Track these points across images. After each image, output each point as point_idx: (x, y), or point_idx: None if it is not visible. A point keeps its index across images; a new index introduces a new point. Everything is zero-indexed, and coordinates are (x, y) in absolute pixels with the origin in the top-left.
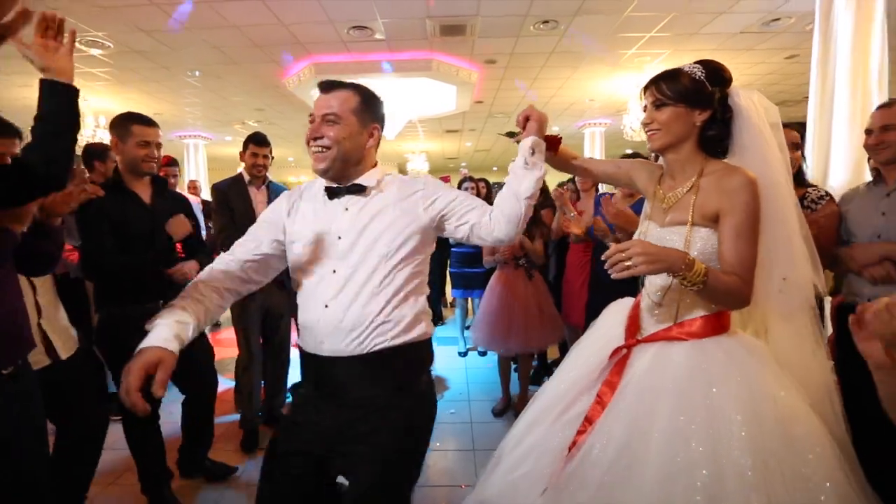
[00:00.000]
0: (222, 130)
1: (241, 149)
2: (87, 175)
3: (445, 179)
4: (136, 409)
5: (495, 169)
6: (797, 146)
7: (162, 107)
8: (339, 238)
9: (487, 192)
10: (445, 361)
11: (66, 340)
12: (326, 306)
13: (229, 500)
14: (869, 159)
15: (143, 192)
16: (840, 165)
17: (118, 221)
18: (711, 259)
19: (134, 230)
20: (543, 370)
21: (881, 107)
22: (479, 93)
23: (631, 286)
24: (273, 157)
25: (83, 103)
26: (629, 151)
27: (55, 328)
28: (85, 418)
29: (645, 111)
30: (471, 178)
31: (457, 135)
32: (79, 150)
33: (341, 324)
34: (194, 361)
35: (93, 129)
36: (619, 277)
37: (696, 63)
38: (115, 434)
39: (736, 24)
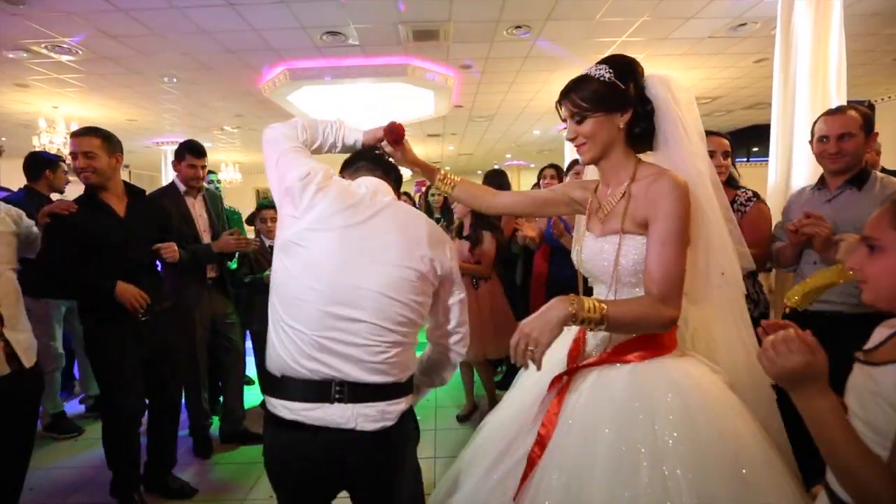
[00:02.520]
0: (201, 137)
1: (174, 159)
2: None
3: (422, 184)
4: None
5: (480, 172)
6: (727, 154)
7: (137, 113)
8: None
9: (444, 199)
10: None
11: (26, 350)
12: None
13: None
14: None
15: (117, 203)
16: (802, 167)
17: (89, 234)
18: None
19: (106, 243)
20: (513, 375)
21: (832, 113)
22: (457, 97)
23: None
24: (206, 168)
25: (55, 111)
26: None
27: (17, 340)
28: (22, 427)
29: (565, 123)
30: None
31: (439, 139)
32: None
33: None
34: (159, 375)
35: (64, 136)
36: (532, 366)
37: (600, 63)
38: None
39: (704, 28)
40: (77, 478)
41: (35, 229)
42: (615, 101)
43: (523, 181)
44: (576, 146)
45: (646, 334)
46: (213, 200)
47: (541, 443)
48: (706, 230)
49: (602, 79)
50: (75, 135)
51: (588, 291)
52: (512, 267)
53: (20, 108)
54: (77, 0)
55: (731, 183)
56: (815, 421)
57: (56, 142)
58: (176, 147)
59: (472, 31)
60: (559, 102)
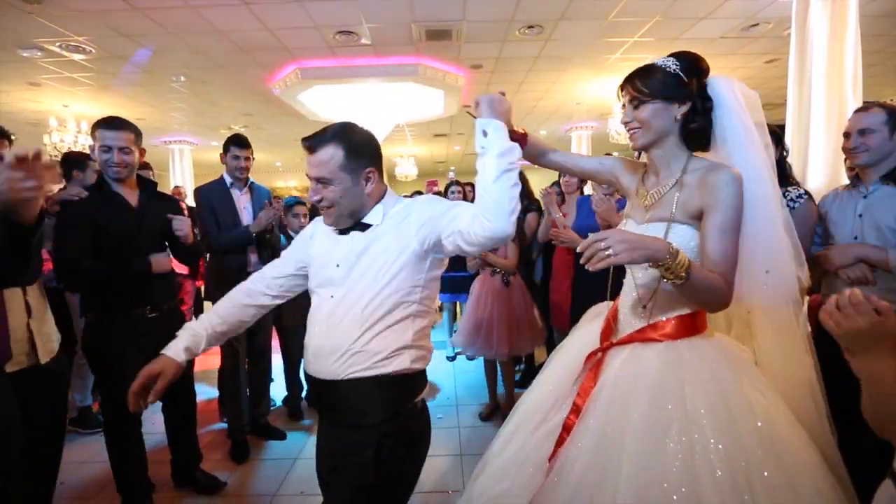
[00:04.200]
0: (209, 136)
1: (222, 152)
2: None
3: (432, 183)
4: (129, 407)
5: None
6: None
7: (146, 111)
8: (337, 266)
9: (464, 196)
10: (434, 366)
11: (46, 343)
12: (316, 329)
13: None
14: (846, 160)
15: (129, 194)
16: (818, 168)
17: (100, 224)
18: (693, 258)
19: (117, 233)
20: (531, 373)
21: (858, 110)
22: (466, 97)
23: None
24: (254, 160)
25: (65, 109)
26: (616, 154)
27: (40, 332)
28: (46, 422)
29: (623, 110)
30: (457, 182)
31: (445, 139)
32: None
33: (322, 348)
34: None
35: (74, 134)
36: (598, 268)
37: (669, 56)
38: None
39: (716, 29)
40: (106, 474)
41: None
42: (676, 91)
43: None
44: (629, 130)
45: (680, 316)
46: (260, 196)
47: (576, 411)
48: (754, 227)
49: (667, 69)
50: (109, 127)
51: (616, 281)
52: (531, 267)
53: (31, 107)
54: None
55: (783, 176)
56: (876, 383)
57: (67, 140)
58: (180, 145)
59: (485, 30)
60: (621, 87)
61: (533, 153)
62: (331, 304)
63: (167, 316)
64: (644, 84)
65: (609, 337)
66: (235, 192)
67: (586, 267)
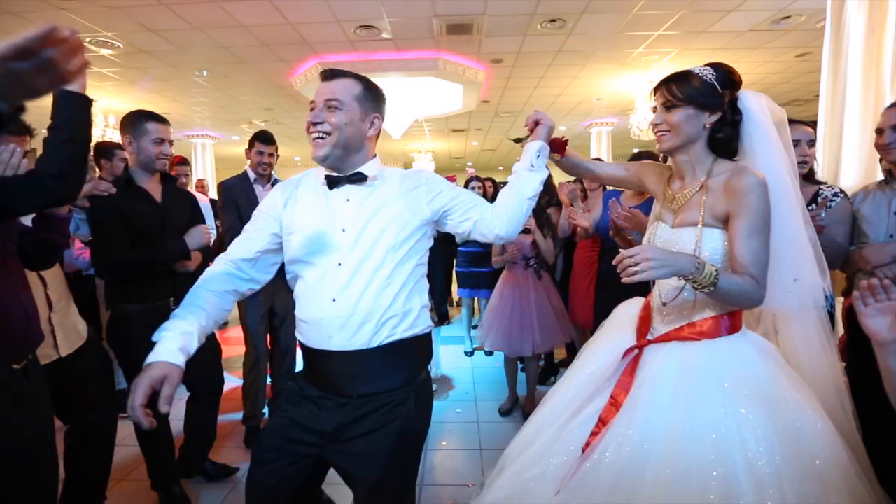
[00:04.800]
0: (230, 130)
1: (246, 147)
2: (97, 173)
3: (451, 179)
4: (142, 425)
5: (501, 168)
6: (812, 143)
7: (170, 106)
8: (343, 231)
9: (494, 192)
10: (451, 361)
11: (68, 336)
12: (334, 300)
13: (232, 500)
14: (881, 159)
15: (154, 189)
16: (852, 165)
17: (129, 219)
18: (723, 260)
19: (144, 227)
20: (550, 370)
21: (892, 106)
22: (485, 92)
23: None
24: (279, 156)
25: (93, 104)
26: (637, 151)
27: (62, 324)
28: (91, 413)
29: (654, 112)
30: (477, 178)
31: (463, 134)
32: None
33: (352, 318)
34: (201, 360)
35: (102, 128)
36: (629, 282)
37: (706, 66)
38: (126, 430)
39: (745, 22)
40: (138, 456)
41: (78, 213)
42: (709, 100)
43: None
44: (657, 132)
45: (717, 316)
46: None
47: (614, 404)
48: (778, 238)
49: (704, 77)
50: (160, 121)
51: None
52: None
53: None
54: None
55: (809, 178)
56: None
57: (95, 134)
58: (202, 139)
59: (506, 24)
60: (655, 89)
61: (568, 165)
62: (344, 273)
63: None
64: (679, 89)
65: (645, 334)
66: (258, 188)
67: (621, 279)
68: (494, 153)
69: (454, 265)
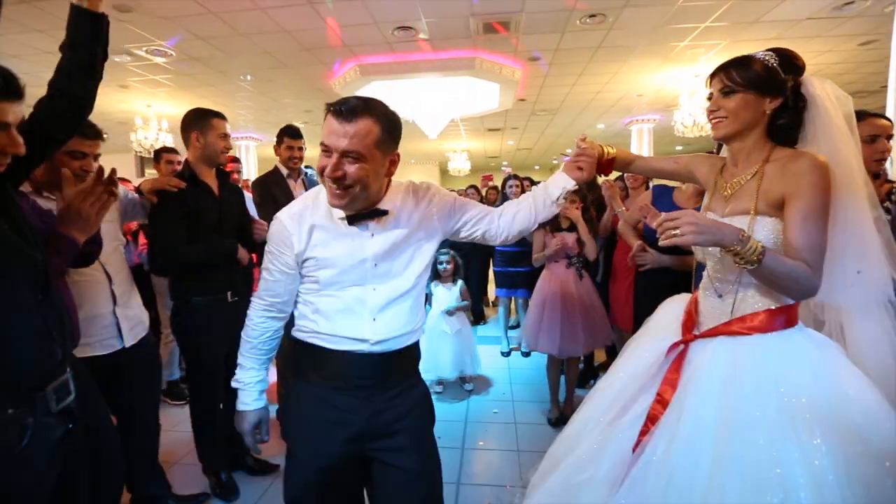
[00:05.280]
0: (272, 131)
1: (275, 145)
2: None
3: (488, 178)
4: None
5: (537, 168)
6: (891, 137)
7: (217, 109)
8: (375, 265)
9: (522, 190)
10: (488, 361)
11: (133, 327)
12: (374, 319)
13: (273, 493)
14: None
15: (212, 183)
16: None
17: (193, 213)
18: (777, 250)
19: (204, 220)
20: (590, 373)
21: None
22: (522, 90)
23: (683, 284)
24: (305, 149)
25: (148, 109)
26: (679, 148)
27: (126, 316)
28: (144, 395)
29: (710, 99)
30: (515, 177)
31: (498, 133)
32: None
33: (389, 333)
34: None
35: (156, 132)
36: (666, 245)
37: (767, 50)
38: (181, 416)
39: (802, 9)
40: (190, 441)
41: (133, 195)
42: (770, 85)
43: None
44: (713, 119)
45: (770, 310)
46: (312, 185)
47: (661, 402)
48: (843, 227)
49: (766, 62)
50: (224, 118)
51: (697, 274)
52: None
53: (120, 108)
54: (175, 5)
55: (879, 176)
56: None
57: (150, 137)
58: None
59: (544, 21)
60: (712, 75)
61: (621, 164)
62: (381, 296)
63: (245, 302)
64: (739, 74)
65: (691, 329)
66: (291, 182)
67: (659, 241)
68: (531, 152)
69: (491, 264)
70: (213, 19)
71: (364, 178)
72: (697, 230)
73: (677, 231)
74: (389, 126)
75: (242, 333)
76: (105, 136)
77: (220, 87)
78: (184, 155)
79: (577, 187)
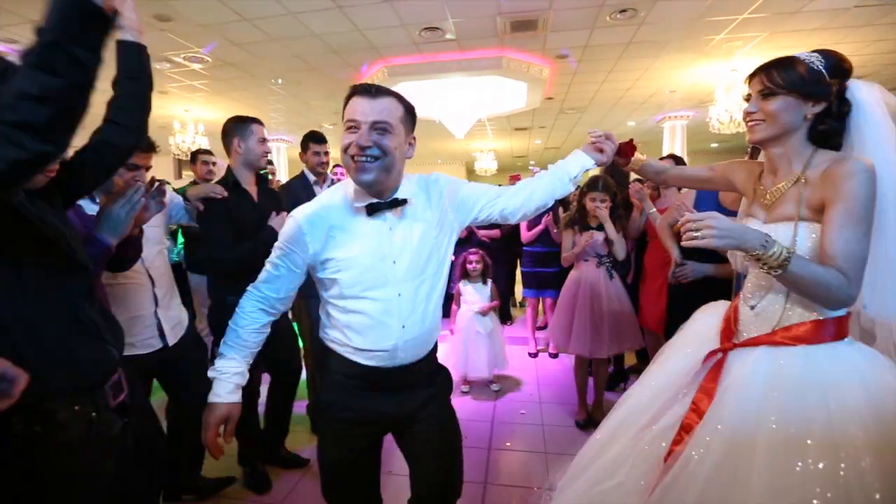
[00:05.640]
0: (302, 133)
1: (301, 151)
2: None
3: (515, 178)
4: (214, 455)
5: None
6: None
7: (250, 112)
8: (395, 263)
9: None
10: (516, 362)
11: (174, 327)
12: (404, 327)
13: (303, 487)
14: None
15: (252, 189)
16: None
17: (236, 218)
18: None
19: (245, 226)
20: (619, 376)
21: None
22: (549, 89)
23: (721, 290)
24: (330, 153)
25: (185, 113)
26: (715, 145)
27: (167, 317)
28: (192, 389)
29: (747, 100)
30: None
31: (525, 132)
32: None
33: (420, 336)
34: (283, 349)
35: (193, 135)
36: (686, 246)
37: (813, 52)
38: None
39: None
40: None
41: (178, 199)
42: (814, 88)
43: None
44: (749, 122)
45: (818, 320)
46: None
47: (696, 411)
48: (893, 237)
49: (811, 64)
50: (262, 123)
51: (737, 280)
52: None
53: (159, 113)
54: (212, 13)
55: None
56: None
57: (187, 141)
58: (276, 143)
59: (573, 18)
60: (751, 75)
61: (649, 172)
62: (406, 301)
63: None
64: (780, 75)
65: (730, 337)
66: (317, 189)
67: (681, 242)
68: (558, 151)
69: (518, 265)
70: (247, 26)
71: (392, 149)
72: (718, 233)
73: (697, 234)
74: (409, 108)
75: (230, 322)
76: (158, 148)
77: (253, 91)
78: (218, 156)
79: (595, 167)
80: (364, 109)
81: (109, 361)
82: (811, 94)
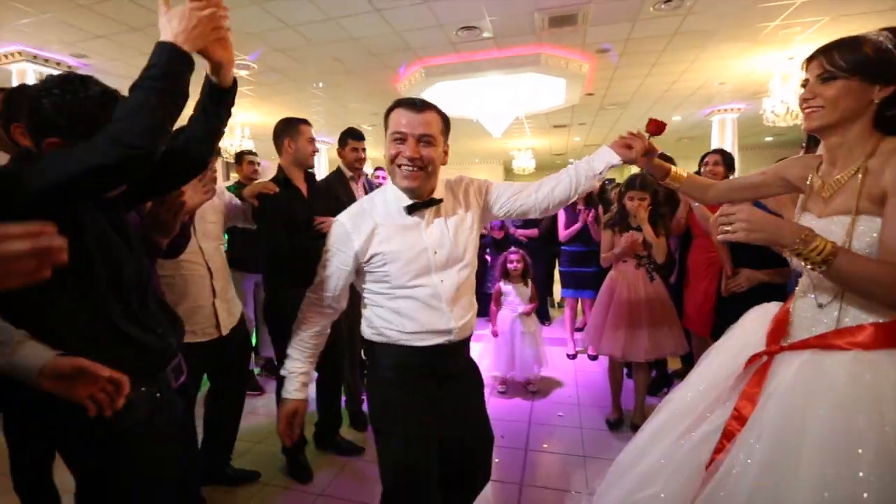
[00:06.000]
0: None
1: (338, 147)
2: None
3: None
4: (286, 441)
5: None
6: None
7: (291, 115)
8: (435, 253)
9: (601, 191)
10: (554, 363)
11: (228, 317)
12: (451, 309)
13: (342, 478)
14: None
15: (301, 185)
16: None
17: (288, 213)
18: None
19: (297, 220)
20: (663, 381)
21: None
22: (589, 84)
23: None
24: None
25: (233, 119)
26: (769, 139)
27: (224, 308)
28: (238, 376)
29: (804, 86)
30: None
31: (565, 130)
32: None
33: (466, 315)
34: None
35: (239, 138)
36: (720, 240)
37: (882, 30)
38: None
39: None
40: (268, 425)
41: (237, 201)
42: (881, 70)
43: None
44: (806, 108)
45: (879, 323)
46: (371, 186)
47: (739, 418)
48: None
49: (879, 44)
50: (310, 124)
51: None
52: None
53: None
54: (257, 22)
55: None
56: None
57: (234, 144)
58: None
59: (614, 11)
60: (810, 59)
61: (694, 193)
62: (450, 286)
63: None
64: (843, 57)
65: (778, 340)
66: (352, 184)
67: (715, 236)
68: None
69: (556, 265)
70: (290, 32)
71: (434, 159)
72: (751, 227)
73: (729, 228)
74: (445, 119)
75: (293, 326)
76: (222, 155)
77: (295, 95)
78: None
79: (621, 163)
80: (411, 122)
81: (168, 348)
82: (879, 77)
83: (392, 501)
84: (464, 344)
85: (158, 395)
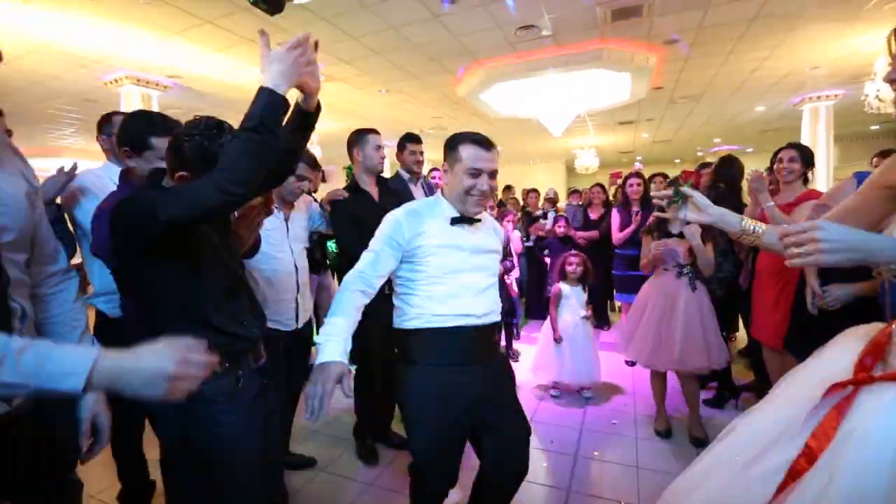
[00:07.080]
0: None
1: (397, 151)
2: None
3: (616, 175)
4: (317, 414)
5: (678, 161)
6: None
7: (358, 122)
8: (472, 253)
9: (645, 191)
10: (611, 369)
11: (304, 312)
12: (479, 298)
13: (400, 462)
14: None
15: (373, 190)
16: None
17: (358, 218)
18: None
19: (368, 225)
20: (730, 392)
21: None
22: (657, 78)
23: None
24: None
25: None
26: (875, 127)
27: (302, 303)
28: (299, 366)
29: (892, 65)
30: (638, 175)
31: (631, 126)
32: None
33: (490, 307)
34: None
35: (310, 145)
36: (792, 265)
37: None
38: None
39: None
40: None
41: (316, 206)
42: None
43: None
44: None
45: None
46: (430, 189)
47: (809, 455)
48: None
49: None
50: (377, 133)
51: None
52: (739, 269)
53: None
54: (322, 34)
55: None
56: None
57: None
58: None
59: None
60: None
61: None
62: (478, 281)
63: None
64: None
65: (871, 367)
66: (411, 186)
67: (785, 262)
68: (669, 144)
69: (611, 268)
70: (353, 43)
71: (495, 189)
72: (829, 248)
73: (799, 251)
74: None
75: (333, 301)
76: (322, 169)
77: (360, 102)
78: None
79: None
80: (486, 160)
81: (254, 335)
82: None
83: (420, 485)
84: (492, 330)
85: (240, 372)
